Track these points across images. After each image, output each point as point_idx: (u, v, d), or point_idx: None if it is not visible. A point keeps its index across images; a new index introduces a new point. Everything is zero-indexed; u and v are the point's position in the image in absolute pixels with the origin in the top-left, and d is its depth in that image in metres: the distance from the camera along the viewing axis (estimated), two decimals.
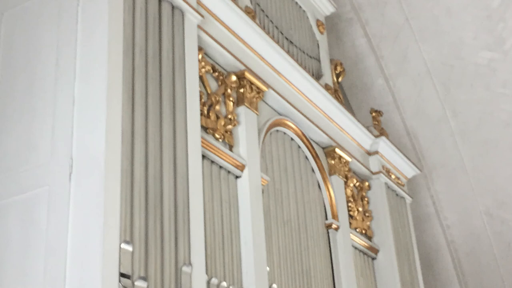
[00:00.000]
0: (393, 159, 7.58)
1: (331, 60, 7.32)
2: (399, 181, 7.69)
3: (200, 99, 4.76)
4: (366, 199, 7.12)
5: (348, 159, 6.72)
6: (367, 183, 7.17)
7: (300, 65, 6.15)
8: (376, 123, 7.61)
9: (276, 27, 6.29)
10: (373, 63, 8.75)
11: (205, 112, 4.88)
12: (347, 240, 6.28)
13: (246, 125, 5.24)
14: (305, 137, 6.20)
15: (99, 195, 3.58)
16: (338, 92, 7.14)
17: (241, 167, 5.05)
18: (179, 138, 4.27)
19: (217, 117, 4.99)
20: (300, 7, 7.02)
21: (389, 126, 8.79)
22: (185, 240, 4.02)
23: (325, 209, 6.27)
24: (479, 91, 8.36)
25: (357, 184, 7.04)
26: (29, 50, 4.26)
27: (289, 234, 5.55)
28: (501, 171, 8.69)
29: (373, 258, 6.97)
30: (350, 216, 6.68)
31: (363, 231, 6.87)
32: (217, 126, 4.96)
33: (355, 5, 8.43)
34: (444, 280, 9.22)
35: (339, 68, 7.35)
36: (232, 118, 5.13)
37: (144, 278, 3.63)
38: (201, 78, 4.97)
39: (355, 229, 6.71)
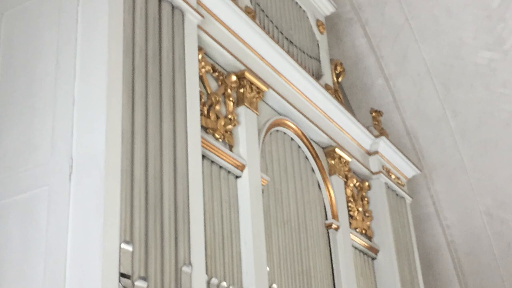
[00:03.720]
0: (393, 159, 7.58)
1: (331, 60, 7.31)
2: (399, 181, 7.69)
3: (200, 99, 4.76)
4: (366, 199, 7.11)
5: (348, 159, 6.72)
6: (367, 183, 7.17)
7: (300, 65, 6.15)
8: (376, 123, 7.61)
9: (276, 27, 6.29)
10: (373, 63, 8.75)
11: (205, 112, 4.87)
12: (347, 240, 6.28)
13: (246, 125, 5.24)
14: (305, 137, 6.20)
15: (99, 195, 3.57)
16: (338, 92, 7.14)
17: (241, 167, 5.05)
18: (179, 138, 4.27)
19: (217, 117, 4.99)
20: (300, 7, 7.02)
21: (389, 126, 8.79)
22: (185, 240, 4.02)
23: (325, 209, 6.27)
24: (479, 91, 8.36)
25: (357, 184, 7.04)
26: (29, 50, 4.26)
27: (289, 234, 5.55)
28: (501, 171, 8.69)
29: (373, 258, 6.97)
30: (350, 216, 6.68)
31: (363, 231, 6.87)
32: (217, 126, 4.95)
33: (355, 5, 8.43)
34: (444, 280, 9.22)
35: (339, 68, 7.35)
36: (232, 118, 5.13)
37: (144, 278, 3.63)
38: (201, 78, 4.97)
39: (355, 229, 6.71)
